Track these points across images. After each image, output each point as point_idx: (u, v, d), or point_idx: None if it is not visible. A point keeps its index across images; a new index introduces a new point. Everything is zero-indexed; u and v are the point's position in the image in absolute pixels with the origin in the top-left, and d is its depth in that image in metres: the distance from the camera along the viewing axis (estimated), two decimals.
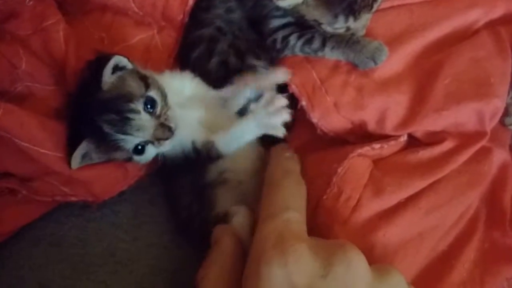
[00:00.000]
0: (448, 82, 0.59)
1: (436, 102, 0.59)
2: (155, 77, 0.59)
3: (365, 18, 0.59)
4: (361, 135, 0.62)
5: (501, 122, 0.63)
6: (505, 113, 0.62)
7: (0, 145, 0.56)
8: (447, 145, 0.59)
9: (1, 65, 0.58)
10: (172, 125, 0.56)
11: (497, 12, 0.64)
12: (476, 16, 0.63)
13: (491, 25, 0.64)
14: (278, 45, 0.63)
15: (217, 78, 0.64)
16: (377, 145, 0.59)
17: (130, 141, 0.55)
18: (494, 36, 0.62)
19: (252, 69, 0.64)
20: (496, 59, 0.60)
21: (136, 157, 0.57)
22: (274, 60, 0.65)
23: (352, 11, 0.56)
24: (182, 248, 0.65)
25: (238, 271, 0.49)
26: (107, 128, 0.54)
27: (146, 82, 0.56)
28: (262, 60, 0.65)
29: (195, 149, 0.60)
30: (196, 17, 0.65)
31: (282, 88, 0.64)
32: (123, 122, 0.54)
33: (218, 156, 0.60)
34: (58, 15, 0.62)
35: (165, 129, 0.56)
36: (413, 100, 0.60)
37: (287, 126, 0.58)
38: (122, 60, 0.57)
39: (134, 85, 0.56)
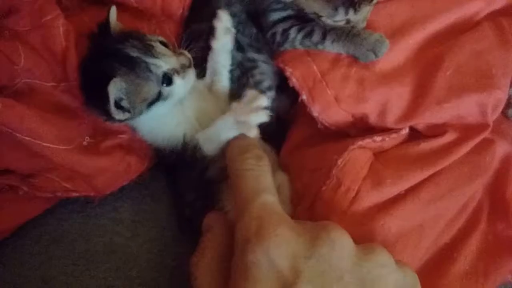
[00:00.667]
0: (450, 74, 0.60)
1: (438, 95, 0.59)
2: None
3: (366, 11, 0.60)
4: (362, 129, 0.63)
5: (504, 114, 0.64)
6: (508, 105, 0.63)
7: (2, 141, 0.57)
8: (449, 137, 0.59)
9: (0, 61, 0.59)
10: (189, 56, 0.60)
11: (499, 3, 0.65)
12: (478, 7, 0.64)
13: (493, 16, 0.64)
14: (278, 38, 0.64)
15: None
16: (378, 138, 0.60)
17: (158, 66, 0.57)
18: (495, 27, 0.63)
19: (252, 62, 0.65)
20: (498, 51, 0.61)
21: (166, 89, 0.58)
22: (274, 53, 0.66)
23: (352, 4, 0.57)
24: (183, 244, 0.66)
25: (230, 257, 0.50)
26: (134, 52, 0.56)
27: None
28: (262, 53, 0.66)
29: (184, 144, 0.61)
30: (195, 11, 0.66)
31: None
32: (147, 48, 0.57)
33: (202, 155, 0.60)
34: (57, 10, 0.63)
35: (185, 57, 0.60)
36: (415, 92, 0.61)
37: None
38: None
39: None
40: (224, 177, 0.61)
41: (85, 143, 0.61)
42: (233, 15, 0.64)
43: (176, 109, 0.62)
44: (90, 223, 0.66)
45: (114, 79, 0.54)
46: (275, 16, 0.64)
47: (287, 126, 0.70)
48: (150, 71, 0.57)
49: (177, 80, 0.59)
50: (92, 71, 0.58)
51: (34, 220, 0.64)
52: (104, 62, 0.57)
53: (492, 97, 0.59)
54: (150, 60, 0.57)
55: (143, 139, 0.64)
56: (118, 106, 0.56)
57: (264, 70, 0.65)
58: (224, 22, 0.62)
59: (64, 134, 0.58)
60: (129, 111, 0.57)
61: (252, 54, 0.65)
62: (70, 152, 0.58)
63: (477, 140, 0.59)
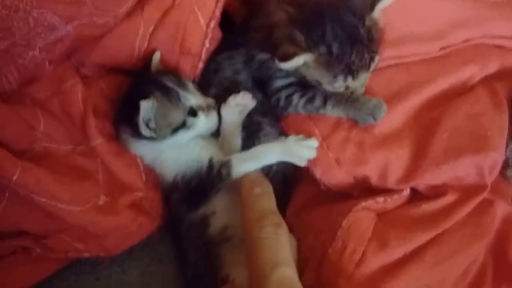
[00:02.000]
0: (446, 136, 0.65)
1: (436, 156, 0.64)
2: None
3: (364, 77, 0.67)
4: (364, 190, 0.68)
5: (503, 175, 0.68)
6: (506, 166, 0.67)
7: (18, 203, 0.63)
8: (449, 198, 0.64)
9: (20, 128, 0.65)
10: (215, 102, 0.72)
11: (492, 68, 0.71)
12: (471, 72, 0.70)
13: (487, 81, 0.70)
14: (282, 104, 0.70)
15: None
16: (380, 199, 0.65)
17: (188, 99, 0.69)
18: (489, 91, 0.68)
19: (258, 125, 0.72)
20: (492, 114, 0.66)
21: (190, 119, 0.69)
22: (279, 117, 0.73)
23: (351, 71, 0.64)
24: None
25: None
26: (170, 83, 0.68)
27: None
28: (267, 117, 0.72)
29: (210, 166, 0.68)
30: (205, 79, 0.74)
31: None
32: (181, 83, 0.69)
33: (227, 177, 0.66)
34: (76, 78, 0.70)
35: (212, 100, 0.71)
36: (414, 154, 0.66)
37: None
38: None
39: None
40: (225, 238, 0.66)
41: (101, 202, 0.66)
42: (240, 82, 0.72)
43: (204, 142, 0.72)
44: (98, 285, 0.69)
45: (148, 99, 0.65)
46: (279, 83, 0.70)
47: (293, 187, 0.75)
48: (180, 100, 0.68)
49: (201, 115, 0.69)
50: (131, 93, 0.69)
51: (43, 282, 0.67)
52: (143, 86, 0.68)
53: (488, 158, 0.63)
54: (182, 92, 0.68)
55: (160, 182, 0.72)
56: (146, 125, 0.66)
57: (268, 132, 0.71)
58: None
59: (79, 195, 0.64)
60: (155, 131, 0.67)
61: (258, 118, 0.71)
62: (85, 213, 0.63)
63: (476, 201, 0.63)
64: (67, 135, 0.69)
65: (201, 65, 0.72)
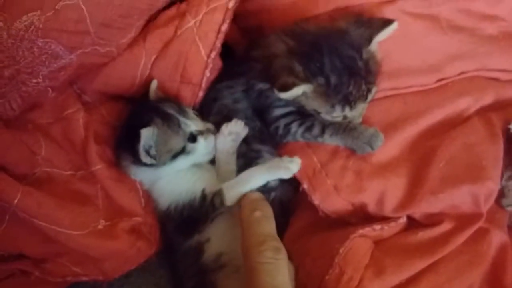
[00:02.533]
0: (443, 166, 0.67)
1: (432, 185, 0.66)
2: None
3: (361, 107, 0.69)
4: (362, 217, 0.69)
5: (498, 204, 0.70)
6: (502, 195, 0.69)
7: (18, 226, 0.65)
8: (445, 226, 0.66)
9: (22, 152, 0.68)
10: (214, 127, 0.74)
11: (488, 99, 0.74)
12: (467, 103, 0.72)
13: (483, 111, 0.73)
14: (281, 132, 0.73)
15: None
16: (377, 226, 0.67)
17: (188, 125, 0.71)
18: (485, 121, 0.71)
19: (257, 153, 0.73)
20: (488, 144, 0.69)
21: (190, 145, 0.71)
22: (277, 145, 0.75)
23: (348, 102, 0.67)
24: None
25: None
26: (170, 110, 0.71)
27: None
28: (266, 145, 0.74)
29: (203, 197, 0.69)
30: (204, 107, 0.76)
31: None
32: (181, 110, 0.72)
33: (221, 205, 0.67)
34: (78, 105, 0.72)
35: (211, 125, 0.74)
36: (410, 183, 0.68)
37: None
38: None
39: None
40: (220, 265, 0.67)
41: (100, 226, 0.68)
42: (240, 111, 0.74)
43: (198, 171, 0.73)
44: None
45: (148, 127, 0.67)
46: (278, 111, 0.73)
47: (291, 213, 0.76)
48: (180, 127, 0.71)
49: (201, 140, 0.71)
50: (131, 120, 0.71)
51: None
52: (143, 114, 0.70)
53: (484, 187, 0.66)
54: (182, 119, 0.71)
55: (158, 204, 0.72)
56: (147, 153, 0.68)
57: (267, 160, 0.72)
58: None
59: (79, 220, 0.66)
60: (155, 158, 0.69)
61: (257, 146, 0.74)
62: (84, 237, 0.65)
63: (472, 229, 0.65)
64: (68, 161, 0.71)
65: (201, 93, 0.75)
